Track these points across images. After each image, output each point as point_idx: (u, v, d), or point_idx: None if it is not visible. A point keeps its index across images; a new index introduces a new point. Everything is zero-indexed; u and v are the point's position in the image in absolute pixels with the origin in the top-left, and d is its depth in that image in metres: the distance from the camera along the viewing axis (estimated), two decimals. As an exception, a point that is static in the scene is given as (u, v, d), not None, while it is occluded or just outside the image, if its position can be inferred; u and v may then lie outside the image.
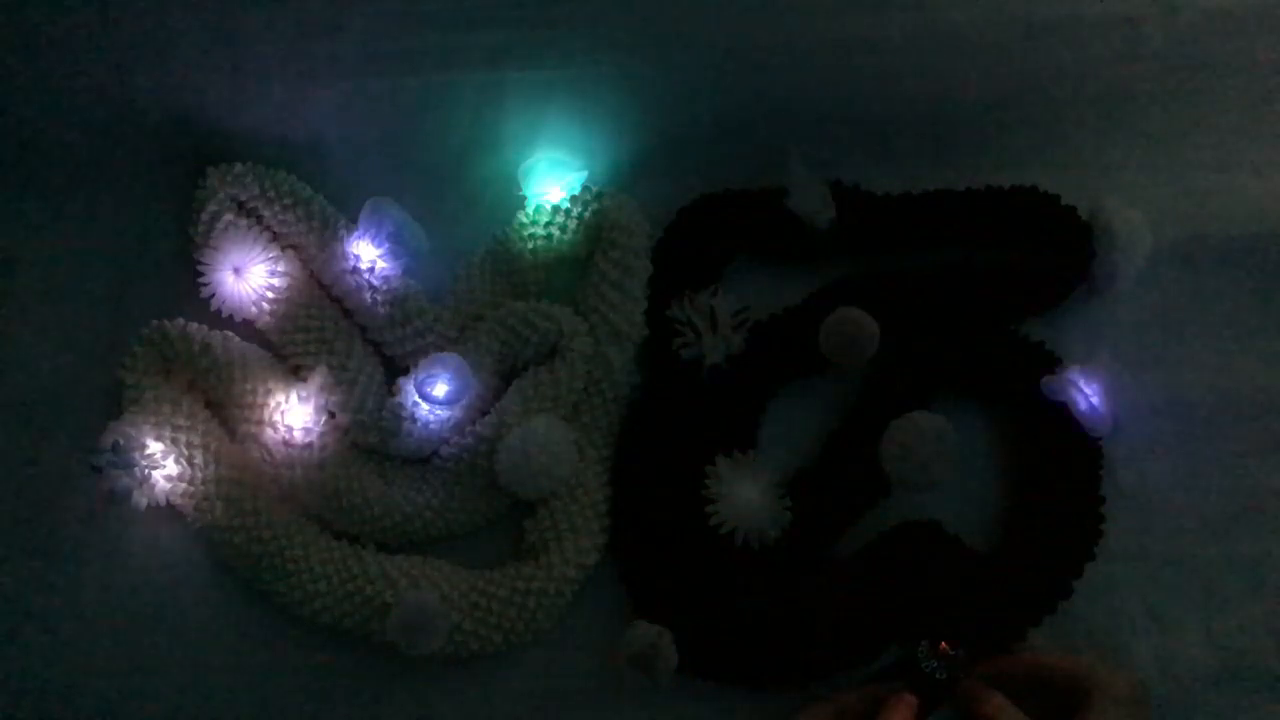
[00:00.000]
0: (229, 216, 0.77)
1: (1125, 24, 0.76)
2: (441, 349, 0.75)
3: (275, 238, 0.79)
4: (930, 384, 0.75)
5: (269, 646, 0.72)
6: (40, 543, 0.74)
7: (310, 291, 0.78)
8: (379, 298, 0.76)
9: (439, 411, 0.73)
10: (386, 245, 0.75)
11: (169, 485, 0.72)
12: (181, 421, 0.72)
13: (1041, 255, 0.77)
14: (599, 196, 0.77)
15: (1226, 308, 0.78)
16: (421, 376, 0.72)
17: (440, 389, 0.72)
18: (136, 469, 0.70)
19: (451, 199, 0.80)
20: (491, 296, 0.78)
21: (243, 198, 0.78)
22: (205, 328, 0.76)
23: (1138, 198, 0.77)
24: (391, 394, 0.75)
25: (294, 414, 0.71)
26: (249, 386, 0.74)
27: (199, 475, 0.72)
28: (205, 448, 0.72)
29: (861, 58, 0.76)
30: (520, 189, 0.77)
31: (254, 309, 0.77)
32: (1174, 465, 0.74)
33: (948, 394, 0.75)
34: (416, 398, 0.72)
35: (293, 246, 0.79)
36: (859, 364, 0.73)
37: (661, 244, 0.78)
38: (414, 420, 0.73)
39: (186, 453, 0.72)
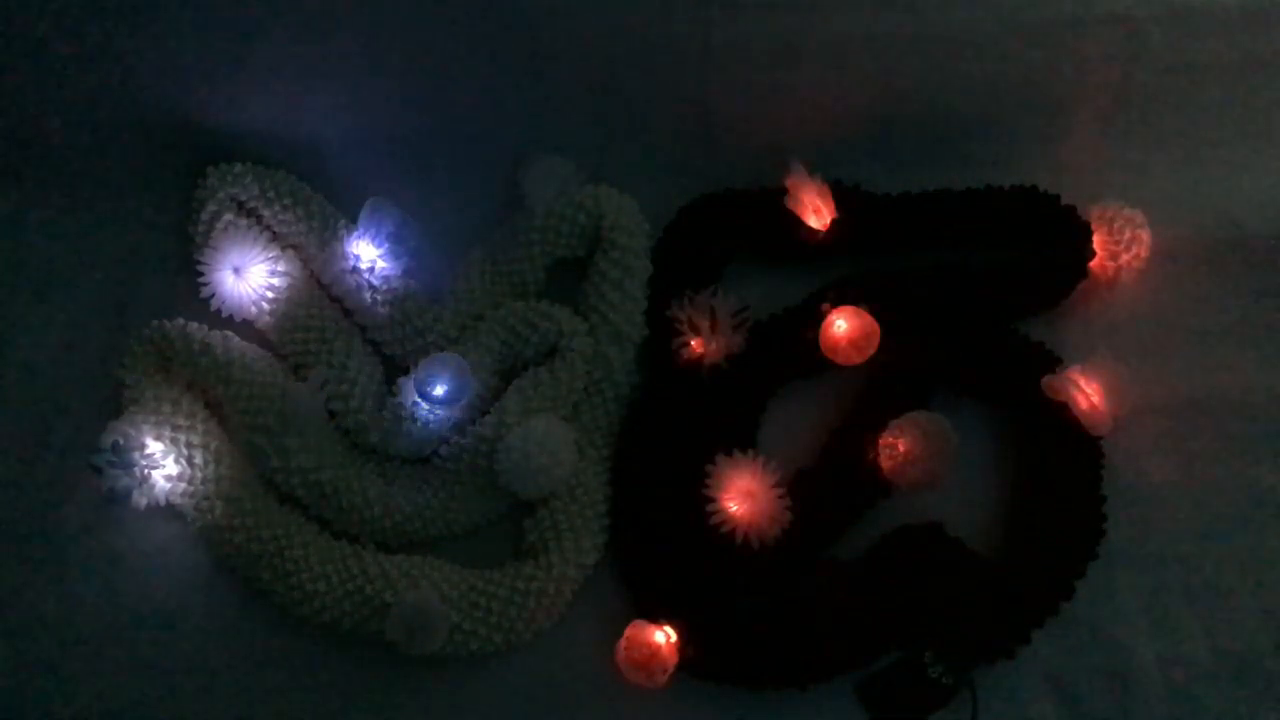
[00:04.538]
0: (229, 216, 0.77)
1: (1125, 24, 0.76)
2: (441, 349, 0.75)
3: (275, 238, 0.79)
4: (930, 384, 0.75)
5: (269, 646, 0.72)
6: (40, 544, 0.74)
7: (310, 291, 0.78)
8: (379, 298, 0.76)
9: (439, 411, 0.73)
10: (386, 245, 0.75)
11: (169, 485, 0.72)
12: (181, 421, 0.72)
13: (1041, 255, 0.77)
14: (599, 196, 0.77)
15: (1227, 307, 0.78)
16: (421, 376, 0.72)
17: (440, 389, 0.72)
18: (136, 469, 0.70)
19: (452, 199, 0.80)
20: (491, 296, 0.78)
21: (243, 198, 0.78)
22: (205, 328, 0.76)
23: (1138, 198, 0.77)
24: (391, 394, 0.75)
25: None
26: (249, 386, 0.74)
27: (199, 475, 0.72)
28: (205, 448, 0.72)
29: (861, 58, 0.76)
30: (520, 189, 0.77)
31: (254, 309, 0.77)
32: (1174, 465, 0.74)
33: (948, 394, 0.75)
34: (416, 398, 0.72)
35: (293, 246, 0.79)
36: None
37: (661, 244, 0.78)
38: (414, 420, 0.73)
39: (186, 453, 0.72)
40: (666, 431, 0.75)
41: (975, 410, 0.76)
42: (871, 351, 0.73)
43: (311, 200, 0.78)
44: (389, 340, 0.77)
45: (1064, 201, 0.77)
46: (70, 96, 0.77)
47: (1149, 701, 0.70)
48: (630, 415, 0.76)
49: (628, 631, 0.69)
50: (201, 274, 0.76)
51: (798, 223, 0.76)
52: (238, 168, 0.78)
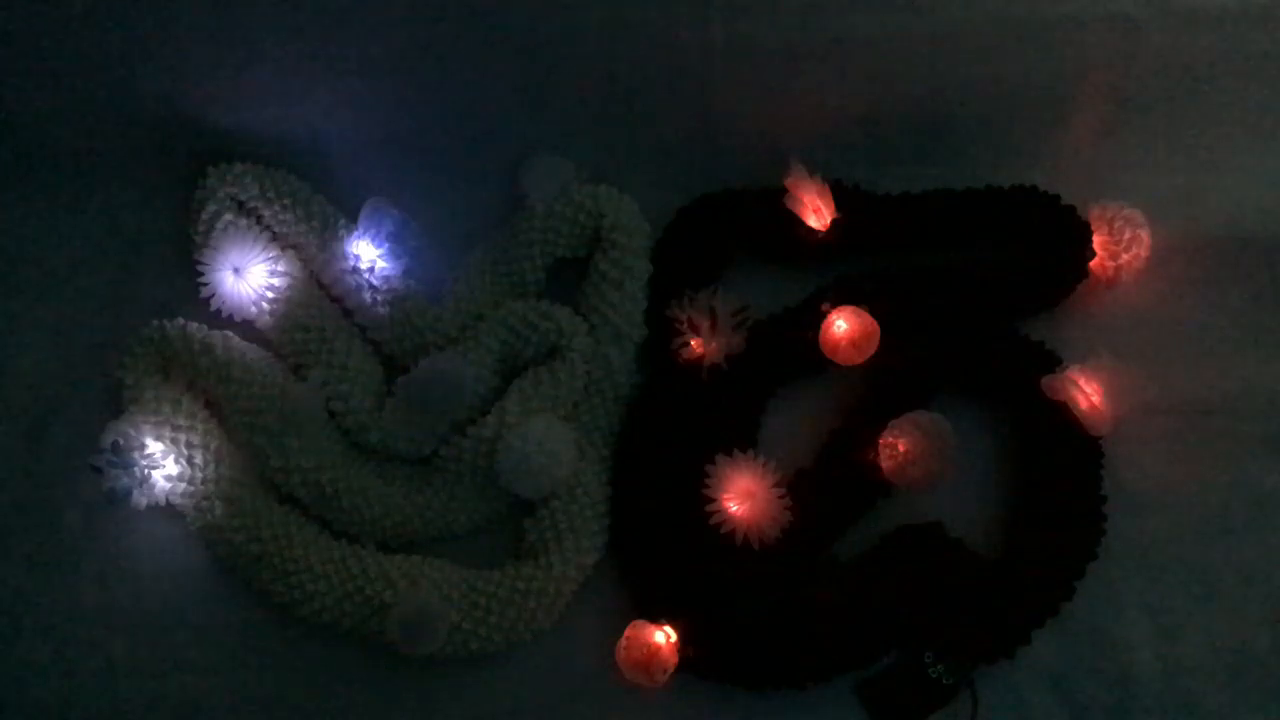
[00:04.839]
0: (229, 216, 0.77)
1: (1125, 24, 0.76)
2: (441, 349, 0.75)
3: (275, 238, 0.79)
4: (930, 384, 0.75)
5: (269, 646, 0.72)
6: (40, 543, 0.74)
7: (310, 291, 0.78)
8: (379, 298, 0.76)
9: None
10: (386, 245, 0.75)
11: (169, 485, 0.72)
12: (181, 421, 0.72)
13: (1041, 255, 0.77)
14: (599, 196, 0.77)
15: (1227, 307, 0.78)
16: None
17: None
18: (136, 469, 0.70)
19: (451, 199, 0.80)
20: (491, 296, 0.78)
21: (243, 197, 0.78)
22: (205, 328, 0.76)
23: (1138, 197, 0.77)
24: (392, 394, 0.75)
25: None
26: (249, 386, 0.74)
27: (199, 475, 0.72)
28: (205, 448, 0.73)
29: (861, 58, 0.76)
30: (520, 189, 0.77)
31: (254, 309, 0.77)
32: (1174, 465, 0.74)
33: (948, 394, 0.75)
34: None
35: (293, 246, 0.79)
36: None
37: (661, 244, 0.78)
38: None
39: (186, 453, 0.72)
40: (666, 431, 0.75)
41: (975, 410, 0.76)
42: (871, 351, 0.73)
43: (311, 200, 0.78)
44: (389, 340, 0.77)
45: (1064, 201, 0.77)
46: (70, 96, 0.77)
47: (1149, 701, 0.70)
48: (630, 415, 0.76)
49: (628, 631, 0.69)
50: (201, 274, 0.76)
51: (798, 223, 0.76)
52: (238, 168, 0.78)
